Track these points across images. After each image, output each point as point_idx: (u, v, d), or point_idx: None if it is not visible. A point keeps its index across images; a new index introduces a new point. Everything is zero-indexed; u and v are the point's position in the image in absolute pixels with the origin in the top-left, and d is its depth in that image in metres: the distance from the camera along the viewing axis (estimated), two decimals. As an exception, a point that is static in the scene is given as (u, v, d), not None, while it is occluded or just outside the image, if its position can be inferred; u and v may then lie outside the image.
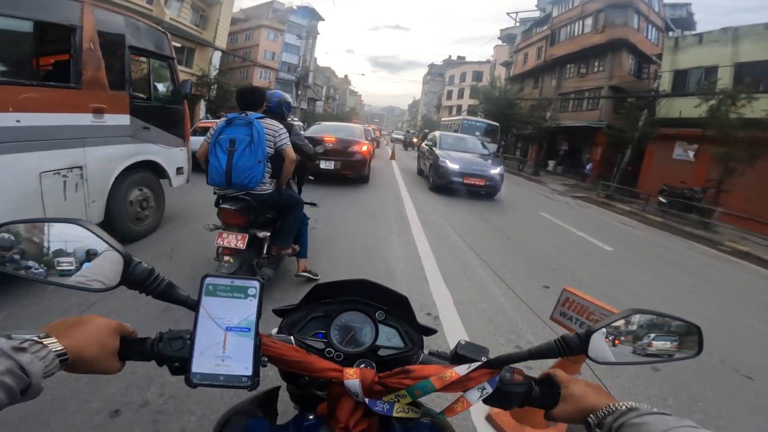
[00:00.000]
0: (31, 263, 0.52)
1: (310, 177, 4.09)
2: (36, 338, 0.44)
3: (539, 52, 26.85)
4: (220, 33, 21.27)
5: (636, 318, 0.58)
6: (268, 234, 2.78)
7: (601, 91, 19.08)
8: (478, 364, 0.58)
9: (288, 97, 3.24)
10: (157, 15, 15.56)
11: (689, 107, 12.82)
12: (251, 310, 0.53)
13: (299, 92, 24.72)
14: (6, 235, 0.52)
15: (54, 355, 0.44)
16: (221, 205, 2.58)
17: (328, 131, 9.04)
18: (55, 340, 0.46)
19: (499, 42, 42.89)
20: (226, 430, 0.63)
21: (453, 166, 8.92)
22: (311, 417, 0.64)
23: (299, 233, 3.10)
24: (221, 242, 2.54)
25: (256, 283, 0.54)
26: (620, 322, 0.57)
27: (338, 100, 72.78)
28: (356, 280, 0.74)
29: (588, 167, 18.86)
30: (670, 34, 19.71)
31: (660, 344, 0.58)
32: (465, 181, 8.77)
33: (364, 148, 8.65)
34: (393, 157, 16.45)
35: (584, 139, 19.67)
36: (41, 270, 0.52)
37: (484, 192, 9.09)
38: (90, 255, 0.53)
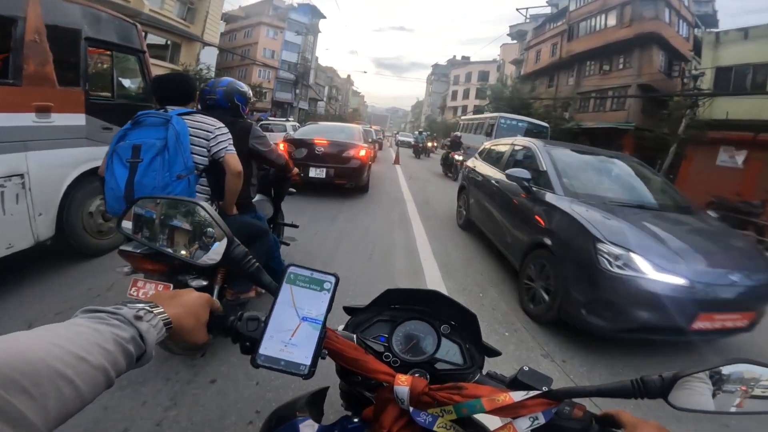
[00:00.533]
0: (160, 237, 0.62)
1: (292, 190, 3.02)
2: (148, 307, 0.47)
3: (554, 49, 25.18)
4: (210, 27, 19.69)
5: (736, 368, 0.50)
6: (205, 283, 1.94)
7: (629, 90, 17.31)
8: (536, 392, 0.54)
9: (242, 85, 2.40)
10: (134, 7, 13.94)
11: (738, 108, 11.08)
12: (323, 303, 0.55)
13: (298, 91, 23.02)
14: (144, 211, 0.62)
15: (162, 323, 0.48)
16: (121, 247, 1.84)
17: (320, 132, 7.52)
18: (163, 310, 0.49)
19: (507, 40, 41.20)
20: (276, 427, 0.66)
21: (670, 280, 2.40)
22: (356, 420, 0.64)
23: (269, 268, 2.28)
24: (135, 294, 1.86)
25: (332, 278, 0.56)
26: (720, 371, 0.50)
27: (341, 101, 71.46)
28: (428, 290, 0.75)
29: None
30: (698, 30, 17.98)
31: (756, 401, 0.50)
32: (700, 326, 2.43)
33: (363, 153, 7.05)
34: (397, 161, 14.75)
35: (607, 141, 17.92)
36: (169, 244, 0.62)
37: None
38: (205, 234, 0.61)
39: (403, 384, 0.56)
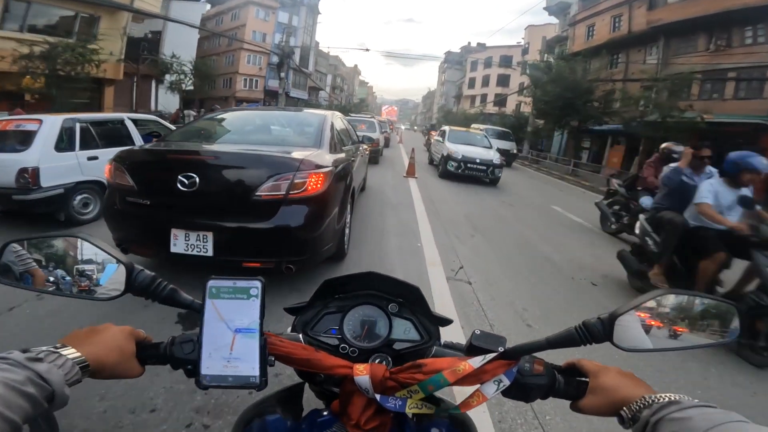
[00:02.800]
0: (47, 277, 0.56)
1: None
2: (52, 349, 0.45)
3: (616, 22, 19.31)
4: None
5: (666, 300, 0.53)
6: None
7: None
8: (492, 355, 0.55)
9: None
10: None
11: None
12: (254, 310, 0.52)
13: (282, 75, 17.55)
14: (16, 251, 0.56)
15: (72, 362, 0.45)
16: None
17: (216, 135, 3.44)
18: (73, 349, 0.47)
19: (532, 21, 35.05)
20: (246, 428, 0.64)
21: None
22: (325, 413, 0.63)
23: None
24: None
25: (258, 283, 0.53)
26: (648, 305, 0.52)
27: (346, 91, 65.72)
28: (364, 273, 0.72)
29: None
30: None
31: (693, 328, 0.54)
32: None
33: (317, 181, 2.56)
34: (411, 173, 9.40)
35: (730, 141, 11.99)
36: (51, 283, 0.56)
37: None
38: (94, 265, 0.56)
39: (362, 373, 0.55)
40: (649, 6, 16.49)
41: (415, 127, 76.45)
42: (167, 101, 21.35)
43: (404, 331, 0.69)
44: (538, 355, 0.58)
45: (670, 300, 0.53)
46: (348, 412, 0.57)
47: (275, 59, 28.45)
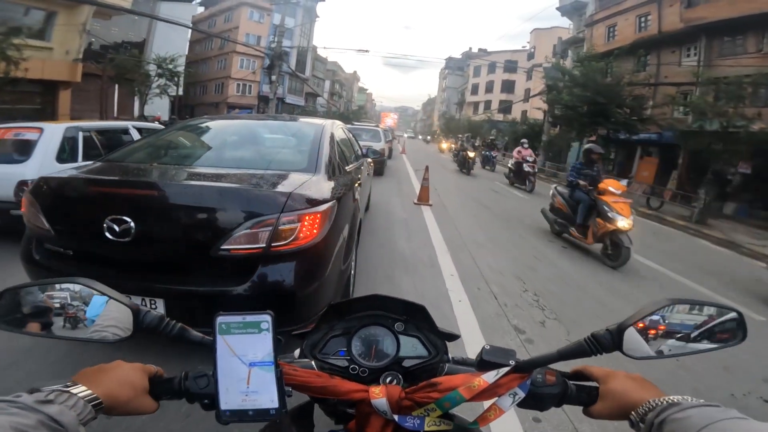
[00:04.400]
0: (44, 323, 0.55)
1: None
2: (62, 388, 0.44)
3: (642, 21, 17.56)
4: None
5: (671, 309, 0.54)
6: None
7: None
8: (506, 369, 0.56)
9: None
10: None
11: None
12: (267, 344, 0.51)
13: (273, 78, 15.69)
14: (15, 298, 0.55)
15: (84, 402, 0.44)
16: None
17: (183, 149, 2.74)
18: (84, 388, 0.46)
19: (536, 27, 33.52)
20: None
21: None
22: None
23: None
24: None
25: (268, 317, 0.52)
26: (654, 314, 0.54)
27: (345, 97, 64.12)
28: (368, 296, 0.72)
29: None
30: None
31: (699, 333, 0.55)
32: None
33: (312, 225, 1.79)
34: (424, 198, 7.29)
35: None
36: (56, 328, 0.55)
37: None
38: (99, 309, 0.55)
39: (378, 396, 0.56)
40: (687, 4, 14.64)
41: (421, 136, 69.77)
42: (159, 108, 19.50)
43: (412, 347, 0.69)
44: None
45: (676, 308, 0.54)
46: None
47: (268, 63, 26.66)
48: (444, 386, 0.55)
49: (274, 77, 15.91)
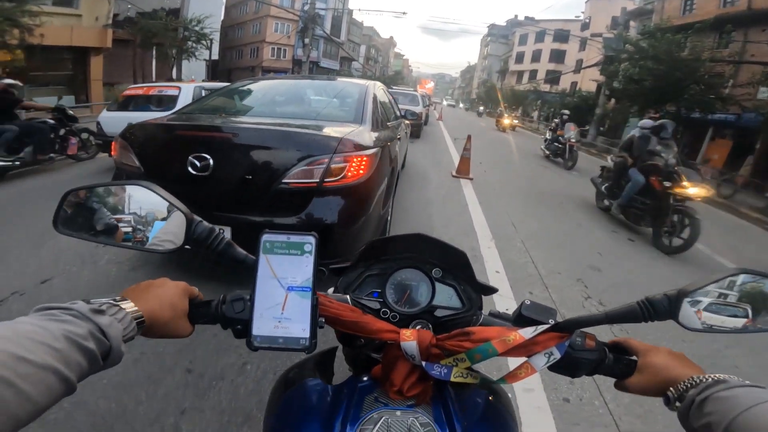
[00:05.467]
0: (105, 228, 0.55)
1: None
2: (112, 301, 0.44)
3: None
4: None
5: (738, 279, 0.49)
6: None
7: None
8: (545, 327, 0.53)
9: None
10: None
11: None
12: (308, 268, 0.50)
13: (307, 41, 14.95)
14: (76, 200, 0.55)
15: (131, 317, 0.44)
16: None
17: (239, 109, 2.98)
18: (132, 304, 0.46)
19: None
20: (287, 388, 0.64)
21: None
22: (365, 379, 0.62)
23: None
24: None
25: (312, 239, 0.50)
26: (719, 284, 0.49)
27: (381, 63, 62.00)
28: (412, 235, 0.68)
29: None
30: None
31: (763, 310, 0.50)
32: None
33: (359, 167, 2.07)
34: (464, 170, 6.23)
35: None
36: (111, 233, 0.55)
37: None
38: (158, 216, 0.55)
39: (409, 339, 0.54)
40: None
41: (463, 105, 60.26)
42: (195, 72, 19.19)
43: (447, 297, 0.68)
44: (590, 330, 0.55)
45: (741, 279, 0.49)
46: (391, 378, 0.56)
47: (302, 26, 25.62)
48: (477, 336, 0.52)
49: (307, 40, 15.08)
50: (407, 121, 5.25)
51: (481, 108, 38.96)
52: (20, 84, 4.91)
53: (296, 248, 0.50)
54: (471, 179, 6.50)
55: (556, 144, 10.65)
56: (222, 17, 29.05)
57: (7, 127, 4.45)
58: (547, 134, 11.89)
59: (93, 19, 10.51)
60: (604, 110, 18.12)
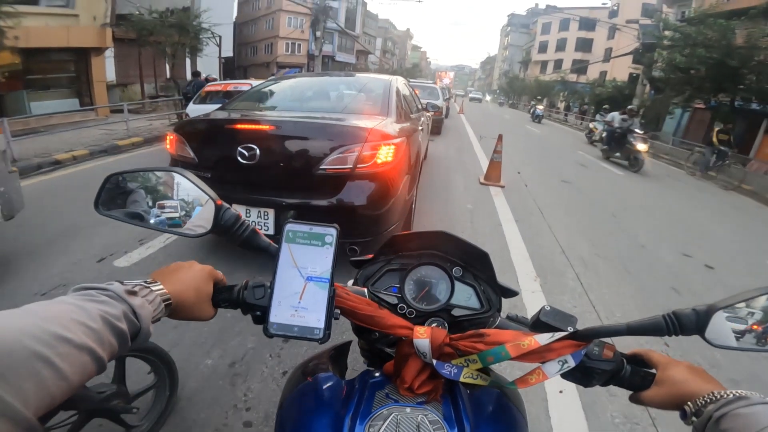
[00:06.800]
0: (142, 211, 0.58)
1: None
2: (143, 283, 0.45)
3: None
4: None
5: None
6: None
7: None
8: (562, 334, 0.51)
9: None
10: None
11: None
12: (327, 259, 0.50)
13: (318, 34, 14.14)
14: (116, 183, 0.58)
15: (160, 299, 0.45)
16: None
17: (272, 102, 3.21)
18: (161, 286, 0.47)
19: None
20: (301, 381, 0.65)
21: None
22: (377, 374, 0.62)
23: None
24: None
25: (334, 231, 0.51)
26: (747, 302, 0.47)
27: (398, 55, 60.70)
28: (434, 232, 0.68)
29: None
30: None
31: None
32: None
33: (387, 153, 2.31)
34: (494, 177, 5.30)
35: None
36: (152, 218, 0.57)
37: None
38: (187, 201, 0.57)
39: (422, 336, 0.54)
40: None
41: (489, 97, 51.13)
42: (211, 69, 18.56)
43: (466, 297, 0.68)
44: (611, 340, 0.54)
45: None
46: (402, 375, 0.56)
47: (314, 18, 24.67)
48: (491, 339, 0.52)
49: (318, 33, 14.22)
50: (428, 113, 5.33)
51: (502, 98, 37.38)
52: None
53: (318, 239, 0.50)
54: (502, 187, 5.54)
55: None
56: (235, 13, 28.51)
57: None
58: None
59: (90, 18, 9.90)
60: (641, 100, 16.65)
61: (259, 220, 2.26)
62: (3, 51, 7.70)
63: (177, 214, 0.57)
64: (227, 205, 0.56)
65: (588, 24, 35.90)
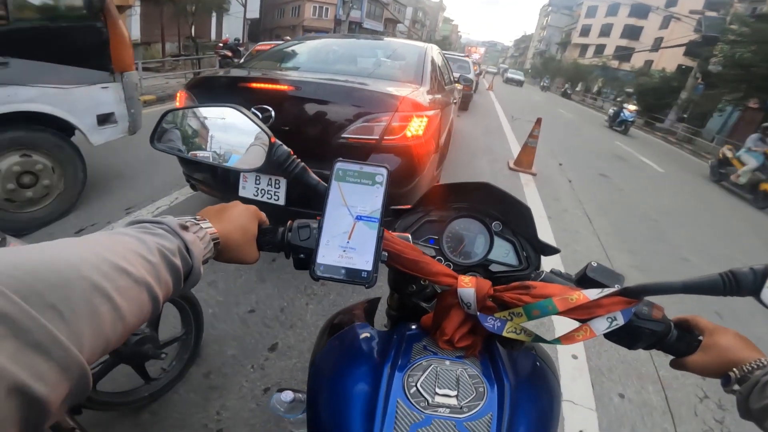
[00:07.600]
0: (197, 146, 0.59)
1: None
2: (194, 220, 0.43)
3: None
4: None
5: None
6: None
7: None
8: (612, 290, 0.49)
9: None
10: None
11: None
12: (378, 198, 0.49)
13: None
14: (173, 119, 0.59)
15: (210, 237, 0.43)
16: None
17: (293, 63, 2.90)
18: (210, 224, 0.45)
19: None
20: (337, 330, 0.64)
21: None
22: (414, 327, 0.61)
23: None
24: None
25: (384, 170, 0.49)
26: None
27: (428, 27, 58.30)
28: (477, 183, 0.67)
29: None
30: None
31: None
32: None
33: (418, 127, 2.04)
34: (526, 163, 4.77)
35: None
36: (208, 152, 0.58)
37: None
38: (242, 136, 0.57)
39: (467, 286, 0.51)
40: None
41: (545, 84, 36.29)
42: (233, 31, 18.01)
43: (504, 253, 0.66)
44: (661, 300, 0.52)
45: None
46: (443, 327, 0.55)
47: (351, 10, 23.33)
48: (538, 292, 0.50)
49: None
50: (459, 87, 5.01)
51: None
52: None
53: (368, 178, 0.49)
54: (534, 175, 4.99)
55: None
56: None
57: None
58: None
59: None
60: (690, 95, 15.39)
61: (270, 188, 2.02)
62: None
63: (231, 149, 0.57)
64: (279, 142, 0.55)
65: (640, 11, 33.33)
